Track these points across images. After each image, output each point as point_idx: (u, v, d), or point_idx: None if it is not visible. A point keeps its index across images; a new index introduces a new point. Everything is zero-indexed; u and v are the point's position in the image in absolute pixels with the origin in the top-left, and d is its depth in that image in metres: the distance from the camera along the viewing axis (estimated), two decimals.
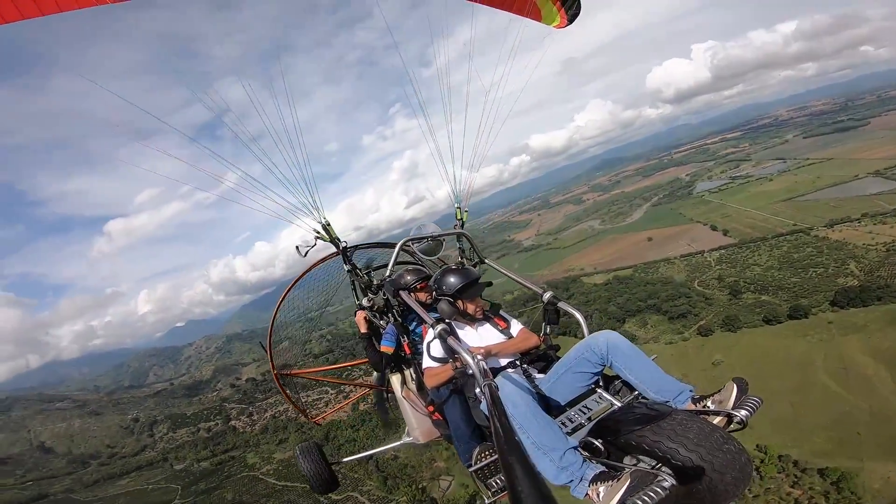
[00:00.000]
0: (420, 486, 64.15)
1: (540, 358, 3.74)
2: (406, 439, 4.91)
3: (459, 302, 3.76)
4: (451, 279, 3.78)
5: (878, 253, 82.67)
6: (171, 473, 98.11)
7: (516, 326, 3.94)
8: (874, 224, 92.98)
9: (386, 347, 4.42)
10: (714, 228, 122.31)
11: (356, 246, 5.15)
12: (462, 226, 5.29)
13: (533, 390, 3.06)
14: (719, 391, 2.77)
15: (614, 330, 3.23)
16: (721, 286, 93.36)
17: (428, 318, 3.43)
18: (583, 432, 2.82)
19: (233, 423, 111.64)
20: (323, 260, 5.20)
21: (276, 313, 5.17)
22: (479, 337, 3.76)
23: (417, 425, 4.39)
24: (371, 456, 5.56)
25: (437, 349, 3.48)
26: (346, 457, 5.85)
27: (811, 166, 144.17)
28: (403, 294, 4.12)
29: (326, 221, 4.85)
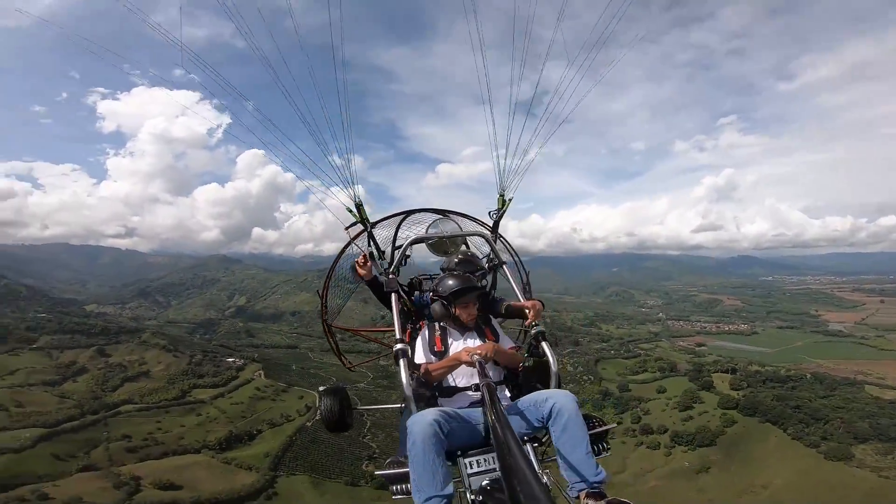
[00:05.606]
0: None
1: (513, 380, 3.82)
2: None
3: (453, 306, 3.77)
4: (448, 282, 3.81)
5: None
6: None
7: (506, 342, 3.94)
8: None
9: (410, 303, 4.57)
10: None
11: (377, 221, 5.23)
12: (498, 223, 5.08)
13: (449, 425, 2.88)
14: (611, 500, 2.69)
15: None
16: None
17: (397, 326, 3.45)
18: (486, 477, 2.87)
19: None
20: (352, 239, 5.16)
21: (328, 280, 5.22)
22: (464, 346, 3.65)
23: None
24: (382, 409, 6.07)
25: (421, 349, 3.66)
26: (362, 406, 5.97)
27: None
28: (393, 296, 4.08)
29: (359, 201, 4.84)
